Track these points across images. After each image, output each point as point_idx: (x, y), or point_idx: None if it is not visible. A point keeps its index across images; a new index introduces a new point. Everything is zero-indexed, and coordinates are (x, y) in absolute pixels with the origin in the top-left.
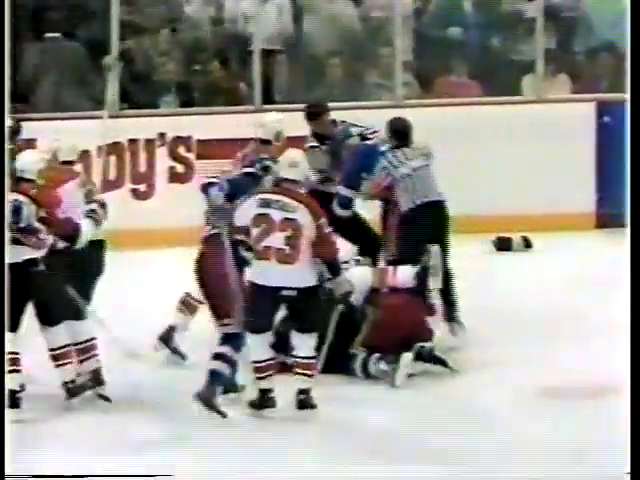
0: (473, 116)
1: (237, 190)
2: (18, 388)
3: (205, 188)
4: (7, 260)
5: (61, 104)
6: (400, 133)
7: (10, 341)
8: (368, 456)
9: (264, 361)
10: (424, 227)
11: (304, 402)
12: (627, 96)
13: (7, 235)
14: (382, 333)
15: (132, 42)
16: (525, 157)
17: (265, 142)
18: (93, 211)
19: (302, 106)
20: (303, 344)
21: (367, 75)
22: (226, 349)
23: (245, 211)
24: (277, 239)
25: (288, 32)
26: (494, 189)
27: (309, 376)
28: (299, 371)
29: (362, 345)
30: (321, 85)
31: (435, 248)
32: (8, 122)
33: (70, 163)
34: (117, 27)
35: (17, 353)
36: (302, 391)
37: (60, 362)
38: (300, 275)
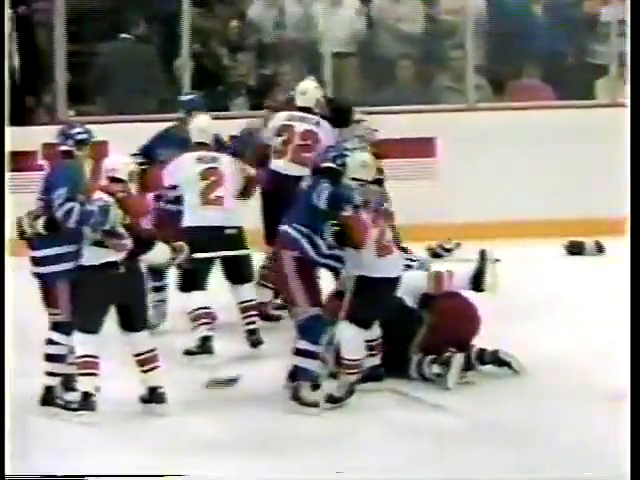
0: (546, 119)
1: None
2: (94, 391)
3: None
4: (6, 263)
5: (129, 105)
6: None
7: (91, 343)
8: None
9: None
10: None
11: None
12: (627, 101)
13: (7, 235)
14: (439, 336)
15: (202, 44)
16: (599, 160)
17: (305, 109)
18: None
19: (373, 109)
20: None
21: (438, 78)
22: (304, 344)
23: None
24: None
25: (359, 35)
26: (567, 192)
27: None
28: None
29: (419, 348)
30: (391, 87)
31: (490, 251)
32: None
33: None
34: (188, 29)
35: (96, 357)
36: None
37: (147, 367)
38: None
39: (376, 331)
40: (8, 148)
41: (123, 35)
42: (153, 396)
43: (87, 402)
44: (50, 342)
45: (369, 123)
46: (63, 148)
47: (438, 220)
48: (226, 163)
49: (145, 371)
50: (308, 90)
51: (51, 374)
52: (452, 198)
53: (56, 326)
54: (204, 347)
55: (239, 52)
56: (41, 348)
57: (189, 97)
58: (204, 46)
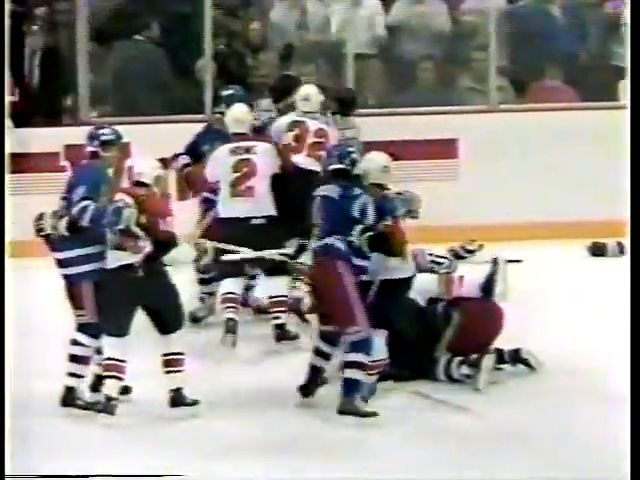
0: (567, 121)
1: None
2: (116, 395)
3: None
4: (6, 263)
5: (145, 106)
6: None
7: (118, 347)
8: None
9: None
10: None
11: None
12: (627, 102)
13: (6, 236)
14: (467, 337)
15: (225, 44)
16: (621, 162)
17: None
18: None
19: (395, 110)
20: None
21: (460, 79)
22: (357, 356)
23: None
24: None
25: (381, 36)
26: (589, 194)
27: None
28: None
29: (446, 350)
30: (413, 89)
31: (502, 258)
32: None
33: None
34: (210, 29)
35: (123, 361)
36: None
37: (170, 369)
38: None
39: (382, 351)
40: (8, 149)
41: (136, 37)
42: (173, 398)
43: (109, 405)
44: (75, 343)
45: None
46: (89, 149)
47: (460, 221)
48: (261, 152)
49: (167, 372)
50: (311, 95)
51: (73, 375)
52: (474, 199)
53: (82, 327)
54: (228, 327)
55: (261, 53)
56: (58, 349)
57: (229, 91)
58: (227, 46)
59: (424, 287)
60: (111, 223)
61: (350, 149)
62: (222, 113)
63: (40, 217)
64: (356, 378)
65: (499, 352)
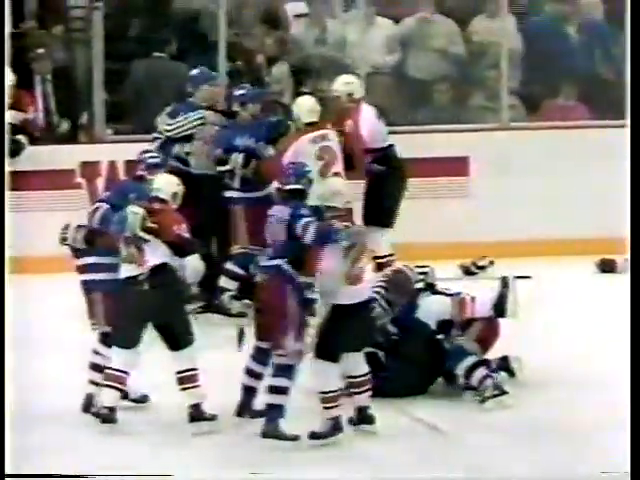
0: (579, 139)
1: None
2: (115, 405)
3: None
4: (6, 263)
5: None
6: None
7: (125, 358)
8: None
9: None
10: None
11: (363, 419)
12: (627, 122)
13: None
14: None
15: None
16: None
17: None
18: None
19: (408, 128)
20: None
21: (473, 98)
22: (280, 381)
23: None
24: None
25: (394, 55)
26: (599, 211)
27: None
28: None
29: None
30: (427, 108)
31: (513, 279)
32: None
33: None
34: (224, 47)
35: (126, 372)
36: (361, 408)
37: (186, 385)
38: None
39: (362, 367)
40: (8, 168)
41: (156, 54)
42: (191, 413)
43: (110, 415)
44: (96, 352)
45: None
46: (138, 173)
47: (471, 238)
48: (334, 138)
49: (183, 389)
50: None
51: (93, 383)
52: (485, 216)
53: (100, 337)
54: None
55: (276, 68)
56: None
57: (242, 91)
58: (245, 63)
59: (435, 309)
60: (117, 230)
61: (307, 169)
62: (236, 112)
63: (66, 227)
64: (278, 403)
65: (487, 362)
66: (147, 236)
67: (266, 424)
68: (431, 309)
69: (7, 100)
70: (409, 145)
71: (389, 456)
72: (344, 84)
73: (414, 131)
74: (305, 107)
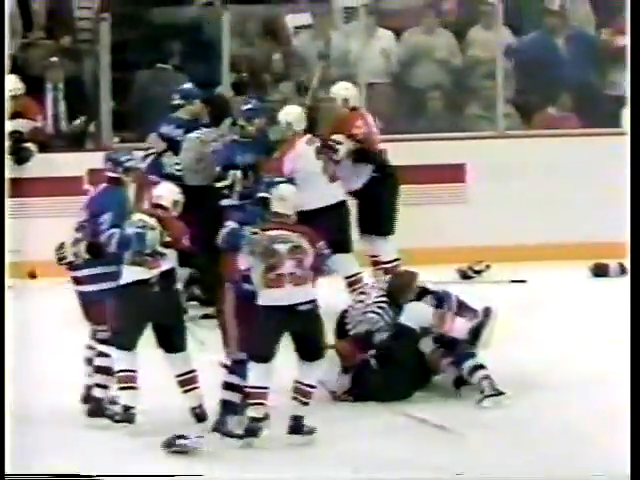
0: (572, 147)
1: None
2: (133, 404)
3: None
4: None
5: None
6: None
7: (127, 359)
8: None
9: (260, 388)
10: None
11: (295, 428)
12: (627, 129)
13: (7, 241)
14: None
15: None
16: (622, 186)
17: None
18: None
19: (404, 136)
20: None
21: (469, 106)
22: (231, 377)
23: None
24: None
25: (392, 66)
26: (592, 216)
27: (305, 403)
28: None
29: None
30: (424, 116)
31: (495, 310)
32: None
33: None
34: (227, 58)
35: (134, 371)
36: (296, 417)
37: (188, 387)
38: (311, 292)
39: (311, 377)
40: (8, 175)
41: (160, 65)
42: (197, 415)
43: (127, 415)
44: (100, 355)
45: None
46: (112, 175)
47: (467, 243)
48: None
49: (185, 391)
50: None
51: (99, 386)
52: (481, 222)
53: (104, 340)
54: None
55: (281, 82)
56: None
57: (248, 106)
58: (249, 75)
59: (417, 315)
60: (137, 249)
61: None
62: (243, 127)
63: (61, 247)
64: (230, 399)
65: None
66: (165, 250)
67: (216, 419)
68: (414, 314)
69: (16, 109)
70: (408, 153)
71: (387, 455)
72: (342, 89)
73: (413, 139)
74: (296, 116)
